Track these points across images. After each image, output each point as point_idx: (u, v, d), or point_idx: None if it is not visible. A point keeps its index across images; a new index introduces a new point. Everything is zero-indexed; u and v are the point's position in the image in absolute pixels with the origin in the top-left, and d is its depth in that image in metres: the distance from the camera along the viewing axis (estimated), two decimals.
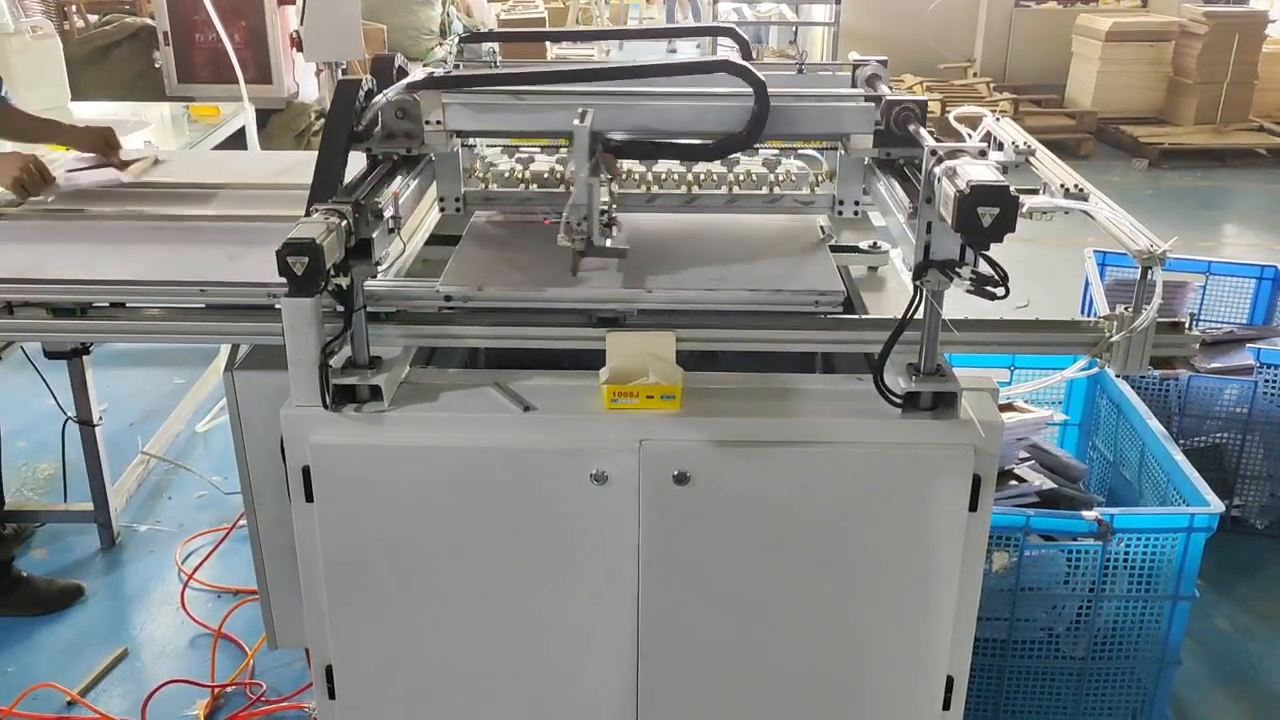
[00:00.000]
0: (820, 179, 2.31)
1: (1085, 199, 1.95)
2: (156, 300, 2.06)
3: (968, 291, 1.73)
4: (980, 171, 1.60)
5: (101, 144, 2.88)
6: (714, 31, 1.80)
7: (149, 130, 4.39)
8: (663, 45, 12.30)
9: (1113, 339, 1.87)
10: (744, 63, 1.92)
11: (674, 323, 1.96)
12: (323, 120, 4.23)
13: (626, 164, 2.30)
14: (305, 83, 5.87)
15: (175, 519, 3.84)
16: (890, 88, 2.26)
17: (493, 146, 2.38)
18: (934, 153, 1.71)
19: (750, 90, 1.93)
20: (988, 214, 1.56)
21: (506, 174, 2.31)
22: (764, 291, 2.00)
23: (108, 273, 2.10)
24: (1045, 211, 1.96)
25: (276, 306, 1.84)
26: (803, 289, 2.01)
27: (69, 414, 3.51)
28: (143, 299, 2.06)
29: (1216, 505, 2.65)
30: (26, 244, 2.26)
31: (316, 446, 1.88)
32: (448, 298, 1.98)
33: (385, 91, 2.00)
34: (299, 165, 2.75)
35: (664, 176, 2.30)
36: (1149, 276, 1.82)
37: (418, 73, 2.06)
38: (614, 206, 2.05)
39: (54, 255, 2.19)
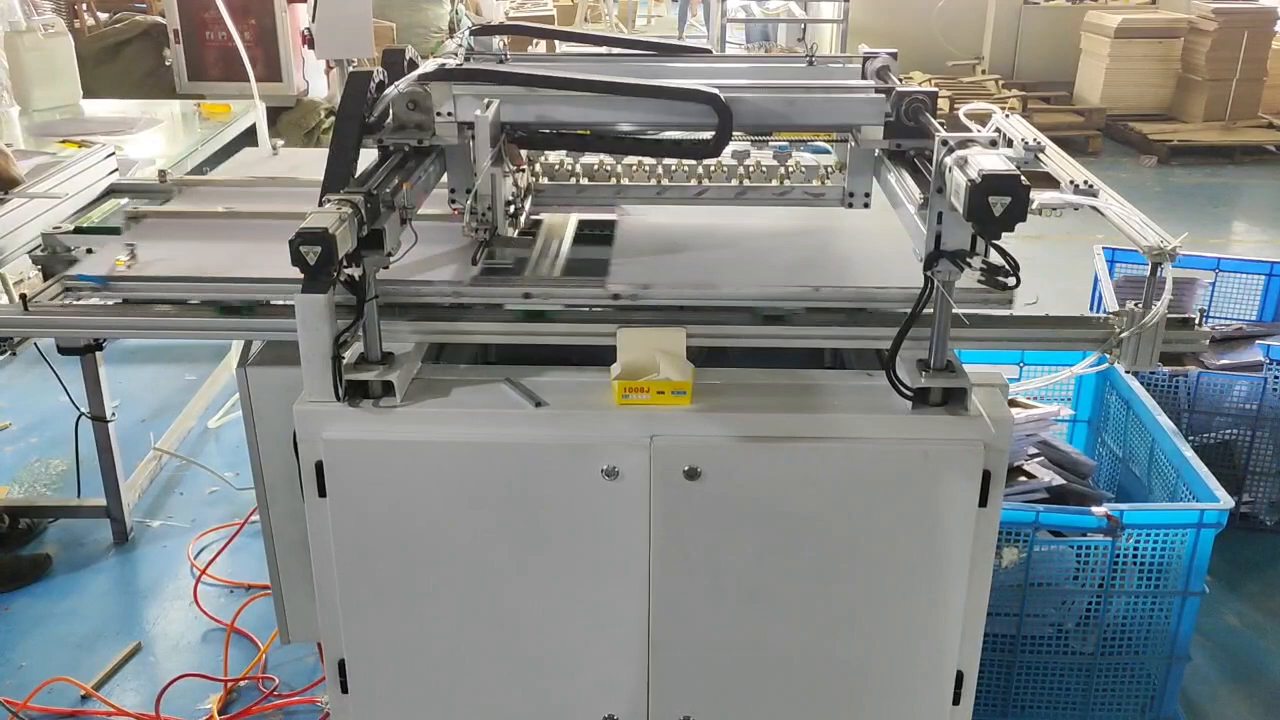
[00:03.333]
0: (830, 171, 2.32)
1: (1095, 195, 1.95)
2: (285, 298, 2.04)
3: (979, 281, 1.73)
4: (991, 161, 1.61)
5: None
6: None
7: (159, 128, 4.41)
8: (671, 41, 12.29)
9: (1122, 335, 1.88)
10: (715, 92, 1.93)
11: (685, 318, 1.97)
12: (333, 118, 4.24)
13: (632, 158, 2.31)
14: (315, 80, 5.89)
15: (187, 514, 3.86)
16: (899, 80, 2.26)
17: None
18: (945, 142, 1.71)
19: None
20: (999, 203, 1.56)
21: None
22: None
23: (229, 270, 2.09)
24: (1055, 208, 1.97)
25: (289, 303, 1.84)
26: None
27: (82, 410, 3.53)
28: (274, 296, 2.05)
29: (1226, 501, 2.65)
30: (181, 242, 2.24)
31: (329, 442, 1.89)
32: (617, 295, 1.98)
33: (397, 83, 2.00)
34: (311, 163, 2.75)
35: (674, 168, 2.31)
36: (1159, 273, 1.82)
37: (429, 65, 2.07)
38: (522, 198, 2.06)
39: (215, 253, 2.18)
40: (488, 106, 1.92)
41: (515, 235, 2.02)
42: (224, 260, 2.14)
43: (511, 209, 2.03)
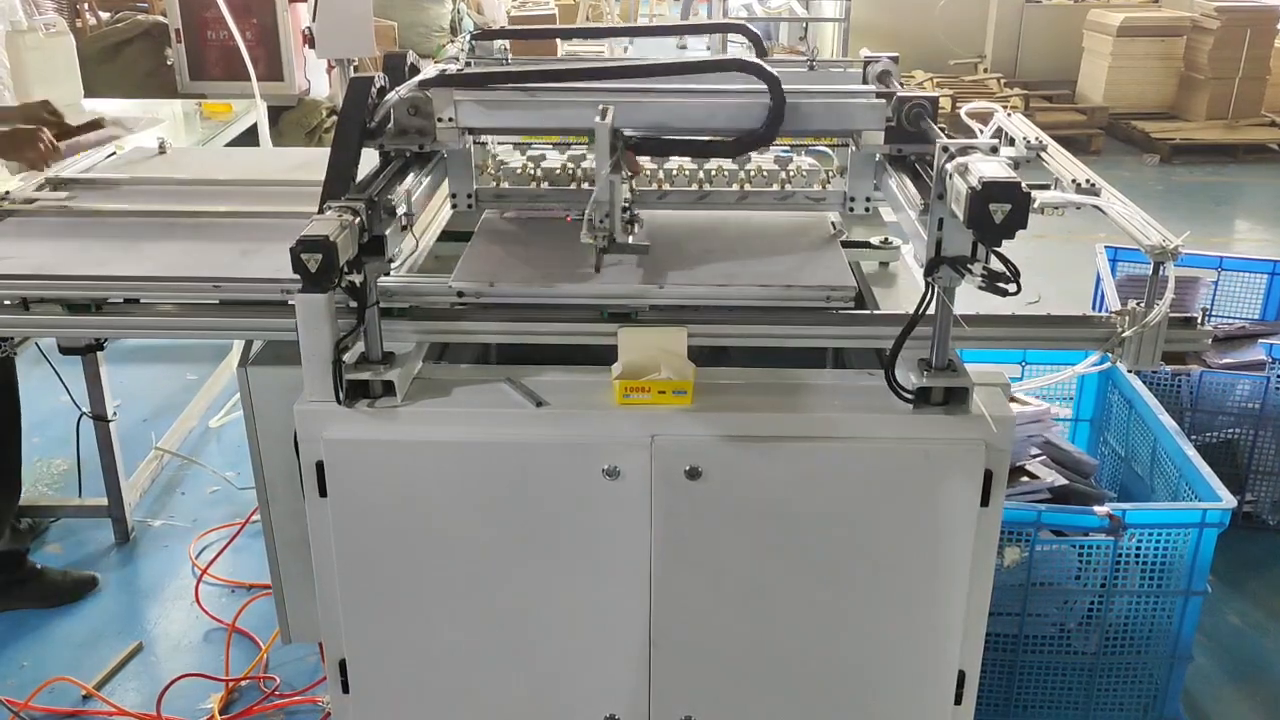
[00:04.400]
0: (831, 175, 2.32)
1: (1097, 194, 1.95)
2: (171, 296, 2.07)
3: (979, 288, 1.73)
4: (992, 168, 1.61)
5: (41, 114, 2.89)
6: (726, 28, 1.81)
7: (162, 127, 4.41)
8: (673, 41, 12.30)
9: (1124, 334, 1.87)
10: (757, 60, 1.92)
11: (686, 318, 1.96)
12: (334, 117, 4.25)
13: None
14: (316, 80, 5.88)
15: (189, 514, 3.87)
16: (901, 84, 2.26)
17: (504, 144, 2.39)
18: (945, 149, 1.71)
19: (764, 87, 1.93)
20: (999, 210, 1.56)
21: (518, 170, 2.32)
22: (775, 287, 2.01)
23: (122, 269, 2.11)
24: (1057, 206, 1.97)
25: (290, 302, 1.85)
26: (814, 284, 2.01)
27: (83, 409, 3.53)
28: (157, 295, 2.07)
29: (1229, 501, 2.65)
30: (42, 240, 2.27)
31: (330, 442, 1.89)
32: (460, 293, 1.99)
33: (398, 89, 2.01)
34: (311, 162, 2.76)
35: (675, 173, 2.31)
36: (1161, 271, 1.81)
37: (430, 70, 2.07)
38: (634, 203, 2.06)
39: (69, 251, 2.21)
40: (605, 114, 1.91)
41: (631, 241, 2.01)
42: (86, 257, 2.16)
43: (628, 215, 2.02)
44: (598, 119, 1.88)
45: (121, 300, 2.08)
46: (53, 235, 2.31)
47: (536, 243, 2.17)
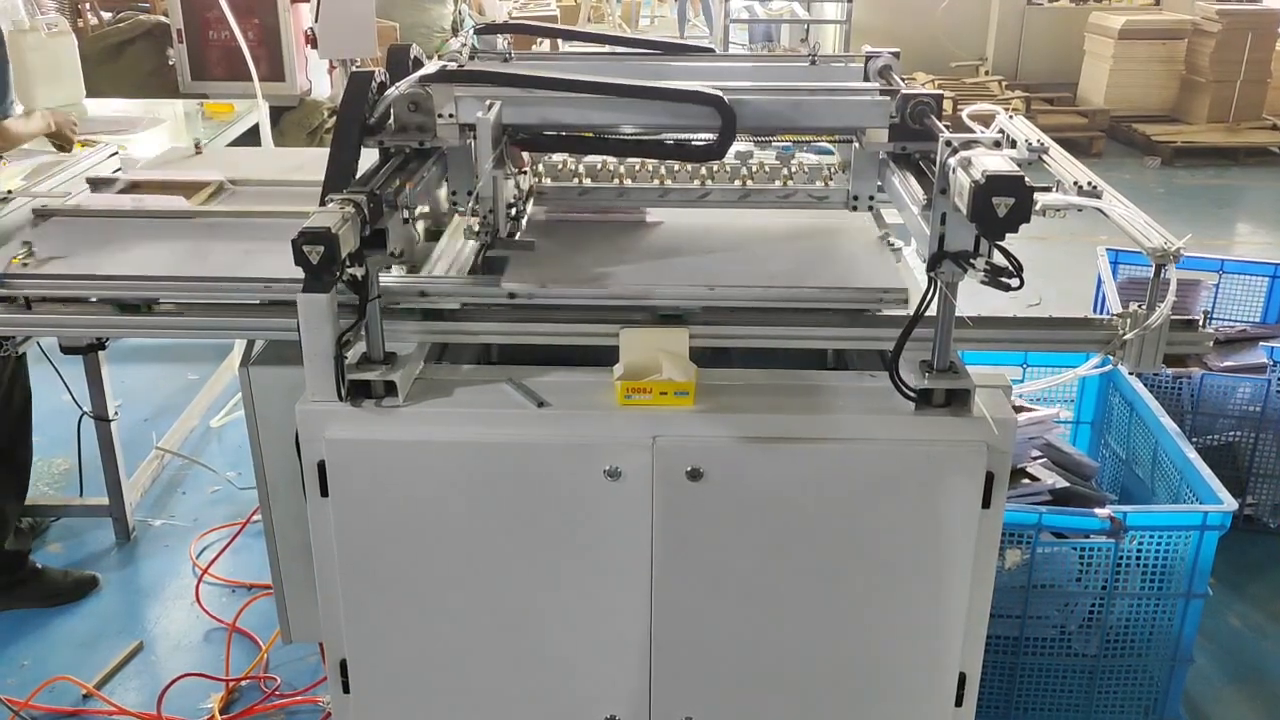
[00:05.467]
0: (833, 171, 2.32)
1: (1098, 196, 1.95)
2: (173, 296, 2.07)
3: (982, 282, 1.73)
4: (995, 161, 1.60)
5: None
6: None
7: (163, 127, 4.41)
8: (675, 40, 12.28)
9: (1126, 337, 1.87)
10: (717, 94, 1.93)
11: (687, 319, 1.96)
12: (335, 117, 4.25)
13: (637, 160, 2.31)
14: (318, 80, 5.89)
15: (189, 514, 3.86)
16: (902, 80, 2.26)
17: None
18: (949, 143, 1.71)
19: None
20: (1003, 204, 1.56)
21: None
22: (833, 289, 2.01)
23: (125, 269, 2.11)
24: (1059, 209, 1.97)
25: (292, 301, 1.84)
26: (867, 286, 2.01)
27: (84, 409, 3.53)
28: (159, 294, 2.07)
29: (1230, 503, 2.65)
30: (43, 239, 2.27)
31: (332, 441, 1.89)
32: (512, 294, 1.98)
33: (397, 84, 2.00)
34: (313, 162, 2.75)
35: (677, 170, 2.31)
36: (1163, 274, 1.81)
37: (431, 65, 2.06)
38: (524, 200, 2.07)
39: (73, 251, 2.21)
40: (489, 108, 1.92)
41: (517, 238, 2.02)
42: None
43: (513, 211, 2.03)
44: (480, 114, 1.89)
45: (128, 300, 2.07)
46: (56, 235, 2.31)
47: (577, 245, 2.16)
